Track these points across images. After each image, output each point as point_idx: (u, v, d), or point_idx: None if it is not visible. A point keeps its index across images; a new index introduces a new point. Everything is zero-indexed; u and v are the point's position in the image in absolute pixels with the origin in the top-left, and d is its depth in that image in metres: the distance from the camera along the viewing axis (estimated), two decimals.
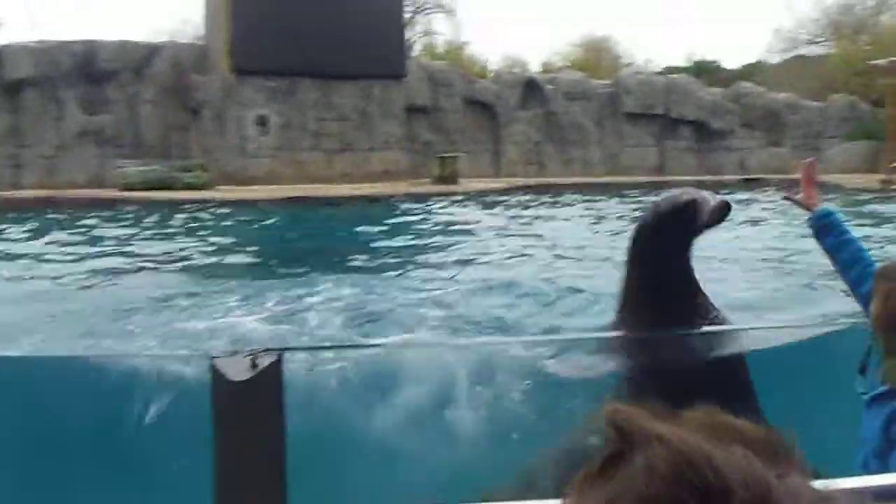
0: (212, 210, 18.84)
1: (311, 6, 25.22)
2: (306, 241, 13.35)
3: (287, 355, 3.30)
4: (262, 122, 26.19)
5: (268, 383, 3.11)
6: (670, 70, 38.03)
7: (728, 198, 3.63)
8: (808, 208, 3.81)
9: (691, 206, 3.61)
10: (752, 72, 39.08)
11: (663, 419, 0.79)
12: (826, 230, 3.76)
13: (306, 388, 4.14)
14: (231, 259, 10.60)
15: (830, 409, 3.82)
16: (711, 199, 3.63)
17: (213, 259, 10.66)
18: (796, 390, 4.35)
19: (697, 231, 3.72)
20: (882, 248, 10.34)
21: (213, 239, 13.66)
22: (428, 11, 38.18)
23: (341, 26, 25.51)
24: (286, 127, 26.49)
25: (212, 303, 7.06)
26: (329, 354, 4.52)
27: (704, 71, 37.94)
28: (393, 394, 4.39)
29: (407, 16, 32.19)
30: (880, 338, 3.23)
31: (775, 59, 43.58)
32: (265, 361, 3.09)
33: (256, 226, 17.10)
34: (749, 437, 0.78)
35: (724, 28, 71.93)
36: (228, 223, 17.44)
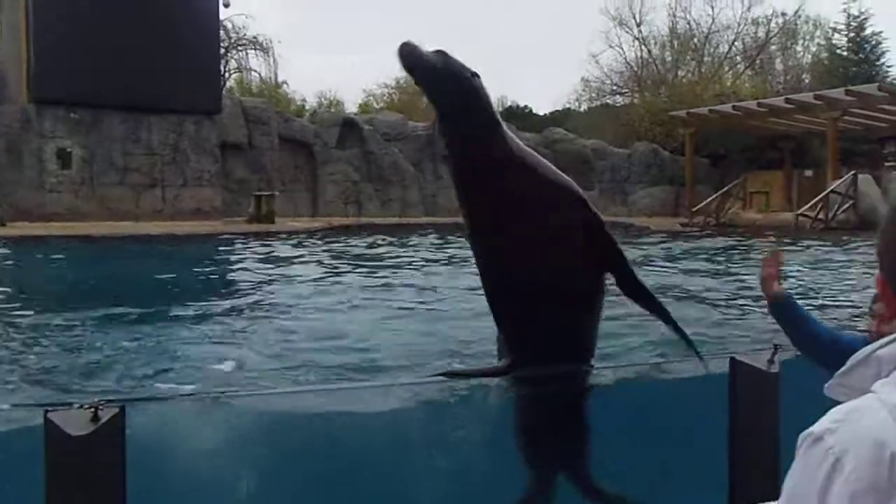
0: (2, 248, 17.24)
1: (120, 36, 23.93)
2: (108, 283, 12.27)
3: (129, 407, 2.88)
4: (62, 155, 24.50)
5: (109, 438, 2.78)
6: None
7: None
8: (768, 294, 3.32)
9: None
10: (561, 118, 40.59)
11: None
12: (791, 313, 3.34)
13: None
14: (23, 302, 9.53)
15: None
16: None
17: (2, 302, 9.55)
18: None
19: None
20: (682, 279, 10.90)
21: (2, 279, 12.40)
22: (242, 47, 37.26)
23: (152, 58, 24.35)
24: (90, 161, 24.93)
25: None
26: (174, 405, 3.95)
27: (515, 116, 39.02)
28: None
29: (221, 50, 31.26)
30: None
31: (583, 106, 45.66)
32: (106, 414, 2.71)
33: (53, 266, 15.66)
34: None
35: (532, 75, 74.57)
36: (21, 263, 16.00)
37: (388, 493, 3.64)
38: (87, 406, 2.70)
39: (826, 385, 1.37)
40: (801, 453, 1.19)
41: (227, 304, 9.43)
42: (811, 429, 1.21)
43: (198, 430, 3.61)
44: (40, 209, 23.71)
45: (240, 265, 15.42)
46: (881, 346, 1.28)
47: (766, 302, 3.31)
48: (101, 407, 2.73)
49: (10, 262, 15.85)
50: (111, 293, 10.00)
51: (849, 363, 1.33)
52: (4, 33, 26.14)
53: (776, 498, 1.25)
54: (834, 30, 43.89)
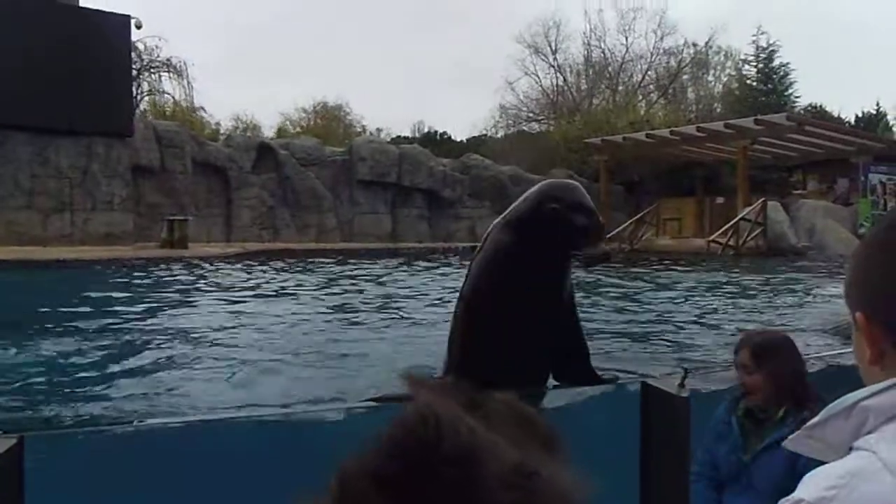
0: None
1: (26, 54, 23.17)
2: (9, 310, 11.82)
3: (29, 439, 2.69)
4: None
5: (6, 472, 2.53)
6: (400, 140, 38.94)
7: None
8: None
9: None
10: (478, 144, 40.87)
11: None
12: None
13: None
14: None
15: None
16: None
17: None
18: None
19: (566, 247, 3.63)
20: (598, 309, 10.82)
21: None
22: (155, 69, 36.51)
23: (61, 77, 23.61)
24: None
25: None
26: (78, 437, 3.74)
27: (433, 141, 39.19)
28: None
29: (133, 72, 30.53)
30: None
31: (500, 133, 46.03)
32: (3, 446, 2.51)
33: None
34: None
35: (450, 100, 75.09)
36: None
37: None
38: None
39: (789, 437, 1.22)
40: None
41: (146, 328, 9.14)
42: (798, 495, 1.05)
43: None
44: None
45: (155, 290, 14.95)
46: (870, 395, 1.11)
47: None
48: None
49: None
50: (29, 321, 9.59)
51: (824, 413, 1.16)
52: None
53: None
54: (744, 61, 45.40)
